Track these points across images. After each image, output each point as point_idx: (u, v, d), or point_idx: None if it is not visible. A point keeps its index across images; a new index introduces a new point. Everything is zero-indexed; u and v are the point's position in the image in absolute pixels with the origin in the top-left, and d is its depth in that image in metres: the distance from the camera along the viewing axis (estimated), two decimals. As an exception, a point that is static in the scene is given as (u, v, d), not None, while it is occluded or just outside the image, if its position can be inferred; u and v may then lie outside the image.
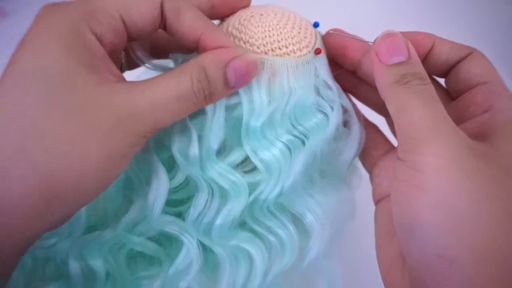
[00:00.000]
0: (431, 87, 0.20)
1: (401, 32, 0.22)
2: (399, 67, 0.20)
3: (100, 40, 0.19)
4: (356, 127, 0.26)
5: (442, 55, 0.23)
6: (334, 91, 0.25)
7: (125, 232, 0.25)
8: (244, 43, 0.23)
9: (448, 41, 0.23)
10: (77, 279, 0.25)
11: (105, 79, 0.18)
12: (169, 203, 0.25)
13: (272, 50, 0.23)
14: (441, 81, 0.25)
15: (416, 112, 0.19)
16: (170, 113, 0.19)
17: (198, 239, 0.25)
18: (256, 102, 0.22)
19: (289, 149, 0.23)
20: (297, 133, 0.24)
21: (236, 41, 0.23)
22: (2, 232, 0.17)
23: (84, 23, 0.19)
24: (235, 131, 0.24)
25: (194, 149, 0.23)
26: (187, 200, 0.26)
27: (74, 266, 0.25)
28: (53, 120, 0.17)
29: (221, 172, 0.23)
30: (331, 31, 0.25)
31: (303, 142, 0.24)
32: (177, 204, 0.26)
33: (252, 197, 0.24)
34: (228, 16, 0.25)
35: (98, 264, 0.25)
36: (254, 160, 0.23)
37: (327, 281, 0.27)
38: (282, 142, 0.23)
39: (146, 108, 0.18)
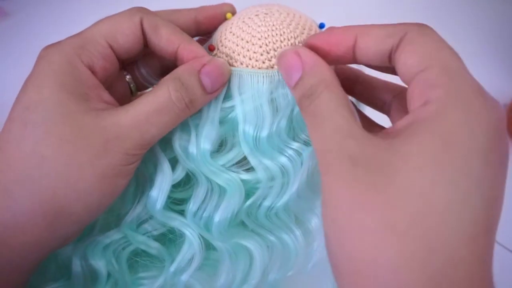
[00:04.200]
0: (320, 96, 0.19)
1: (314, 36, 0.22)
2: (297, 87, 0.20)
3: (91, 68, 0.21)
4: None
5: (369, 48, 0.20)
6: None
7: (130, 230, 0.25)
8: (247, 42, 0.23)
9: (376, 29, 0.20)
10: (78, 279, 0.25)
11: (93, 107, 0.20)
12: (173, 201, 0.25)
13: (274, 50, 0.23)
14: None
15: (309, 135, 0.20)
16: (153, 126, 0.21)
17: (199, 234, 0.25)
18: (258, 115, 0.23)
19: (299, 154, 0.23)
20: (304, 137, 0.24)
21: (239, 40, 0.23)
22: (12, 251, 0.19)
23: (76, 56, 0.21)
24: (235, 129, 0.24)
25: (192, 147, 0.23)
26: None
27: (76, 266, 0.25)
28: (50, 146, 0.19)
29: (213, 170, 0.23)
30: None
31: (308, 145, 0.24)
32: (181, 202, 0.26)
33: (251, 200, 0.24)
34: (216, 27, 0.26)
35: (100, 264, 0.25)
36: (257, 168, 0.23)
37: (332, 283, 0.27)
38: (292, 149, 0.23)
39: (130, 126, 0.20)
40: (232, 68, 0.23)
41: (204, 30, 0.26)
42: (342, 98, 0.19)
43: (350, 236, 0.16)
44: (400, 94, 0.24)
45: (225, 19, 0.26)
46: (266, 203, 0.24)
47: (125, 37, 0.22)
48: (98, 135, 0.19)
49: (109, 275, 0.26)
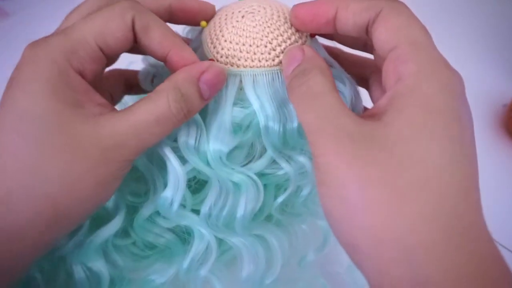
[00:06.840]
0: (313, 78, 0.20)
1: (298, 6, 0.22)
2: (293, 72, 0.21)
3: (82, 73, 0.21)
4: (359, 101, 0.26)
5: (348, 21, 0.21)
6: (337, 67, 0.25)
7: (143, 225, 0.25)
8: (250, 46, 0.23)
9: (354, 3, 0.21)
10: (83, 285, 0.25)
11: (89, 114, 0.20)
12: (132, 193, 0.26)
13: (279, 45, 0.23)
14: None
15: (300, 116, 0.20)
16: (152, 136, 0.21)
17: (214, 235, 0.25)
18: (281, 112, 0.23)
19: None
20: None
21: (240, 45, 0.23)
22: (16, 249, 0.19)
23: (66, 61, 0.20)
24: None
25: (204, 147, 0.23)
26: (144, 193, 0.27)
27: (78, 271, 0.25)
28: (45, 157, 0.19)
29: (228, 171, 0.23)
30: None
31: None
32: (137, 196, 0.27)
33: (283, 197, 0.26)
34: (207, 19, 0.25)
35: (99, 265, 0.25)
36: (284, 164, 0.24)
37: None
38: None
39: (129, 135, 0.20)
40: (244, 69, 0.23)
41: (174, 22, 0.25)
42: (333, 83, 0.20)
43: (365, 212, 0.17)
44: (377, 70, 0.24)
45: (201, 17, 0.25)
46: (305, 192, 0.26)
47: (115, 39, 0.21)
48: (97, 144, 0.19)
49: (115, 275, 0.26)
